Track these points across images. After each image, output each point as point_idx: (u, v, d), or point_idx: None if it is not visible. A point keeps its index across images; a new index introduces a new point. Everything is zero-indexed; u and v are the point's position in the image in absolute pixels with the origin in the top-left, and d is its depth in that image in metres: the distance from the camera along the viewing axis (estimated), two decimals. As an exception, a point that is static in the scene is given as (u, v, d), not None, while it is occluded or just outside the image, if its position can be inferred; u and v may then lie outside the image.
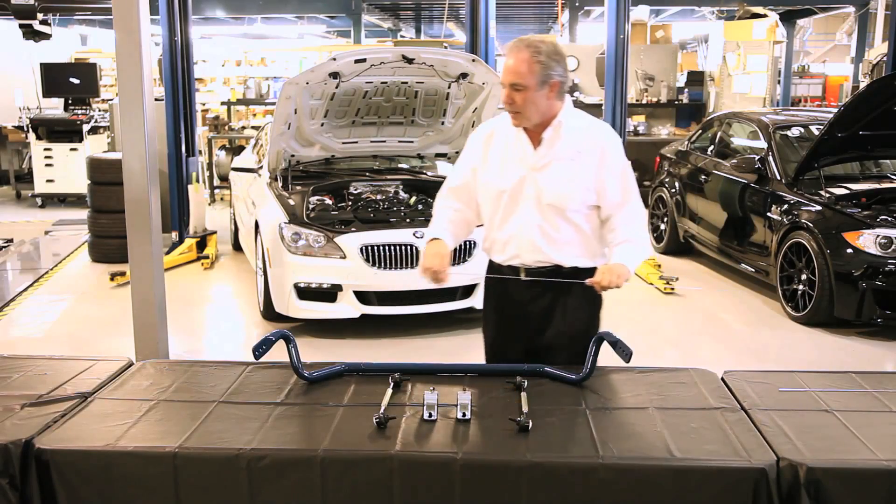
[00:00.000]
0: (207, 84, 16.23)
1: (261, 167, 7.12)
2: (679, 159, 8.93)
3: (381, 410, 2.49)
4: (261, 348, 2.76)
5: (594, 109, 11.57)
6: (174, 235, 8.60)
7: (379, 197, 6.62)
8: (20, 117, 12.27)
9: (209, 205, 11.35)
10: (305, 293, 5.93)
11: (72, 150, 11.70)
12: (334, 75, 6.27)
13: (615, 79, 8.18)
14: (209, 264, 8.26)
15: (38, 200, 11.98)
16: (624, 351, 2.71)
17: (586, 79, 12.55)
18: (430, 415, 2.49)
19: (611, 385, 2.80)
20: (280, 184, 6.65)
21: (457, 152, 6.94)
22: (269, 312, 6.19)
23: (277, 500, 2.31)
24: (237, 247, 8.65)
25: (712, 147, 8.50)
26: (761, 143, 7.56)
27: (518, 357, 3.05)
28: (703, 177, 8.23)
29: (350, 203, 6.53)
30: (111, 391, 2.77)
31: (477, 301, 5.87)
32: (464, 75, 6.50)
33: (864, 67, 11.63)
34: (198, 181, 8.83)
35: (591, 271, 3.02)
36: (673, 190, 8.77)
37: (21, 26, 10.96)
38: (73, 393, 2.71)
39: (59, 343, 6.03)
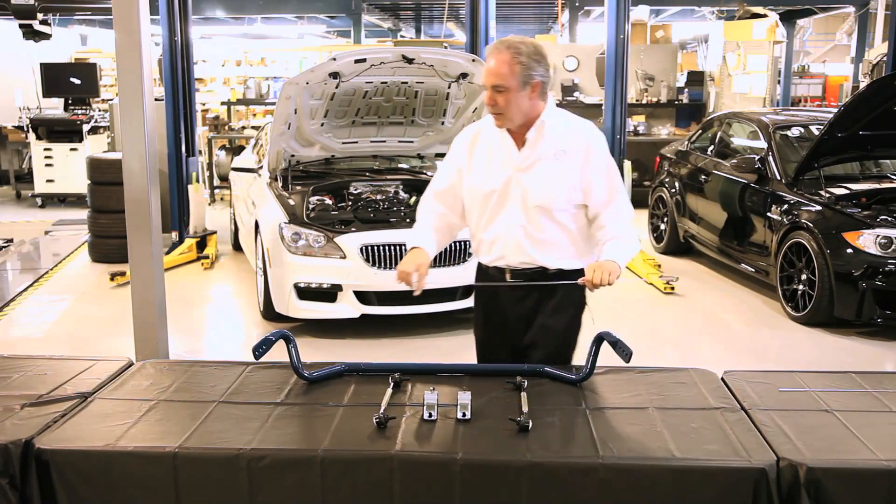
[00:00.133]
0: (207, 84, 16.24)
1: (261, 167, 7.12)
2: (679, 159, 8.93)
3: (381, 410, 2.49)
4: (261, 348, 2.76)
5: (594, 109, 11.65)
6: (174, 235, 8.60)
7: (379, 197, 6.62)
8: (20, 117, 12.27)
9: (209, 205, 11.35)
10: (305, 293, 5.93)
11: (72, 150, 11.71)
12: (334, 75, 6.27)
13: (615, 79, 8.19)
14: (209, 264, 8.26)
15: (38, 200, 11.98)
16: (624, 351, 2.71)
17: (586, 79, 12.55)
18: (430, 415, 2.49)
19: (611, 385, 2.79)
20: (280, 184, 6.65)
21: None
22: (269, 312, 6.19)
23: (277, 500, 2.31)
24: (237, 247, 8.65)
25: (712, 147, 8.50)
26: (761, 143, 7.56)
27: (506, 356, 3.08)
28: (703, 177, 8.24)
29: (350, 203, 6.53)
30: (111, 391, 2.77)
31: (477, 301, 5.86)
32: (464, 75, 6.50)
33: (864, 67, 11.63)
34: (198, 181, 8.83)
35: (576, 273, 3.03)
36: (673, 190, 8.77)
37: (21, 26, 10.96)
38: (73, 393, 2.71)
39: (59, 343, 6.03)
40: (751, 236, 7.26)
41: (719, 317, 6.78)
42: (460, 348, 5.73)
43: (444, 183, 3.16)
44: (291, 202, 6.32)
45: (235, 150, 11.87)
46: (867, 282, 5.94)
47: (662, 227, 9.01)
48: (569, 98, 12.56)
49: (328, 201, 6.54)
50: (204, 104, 14.54)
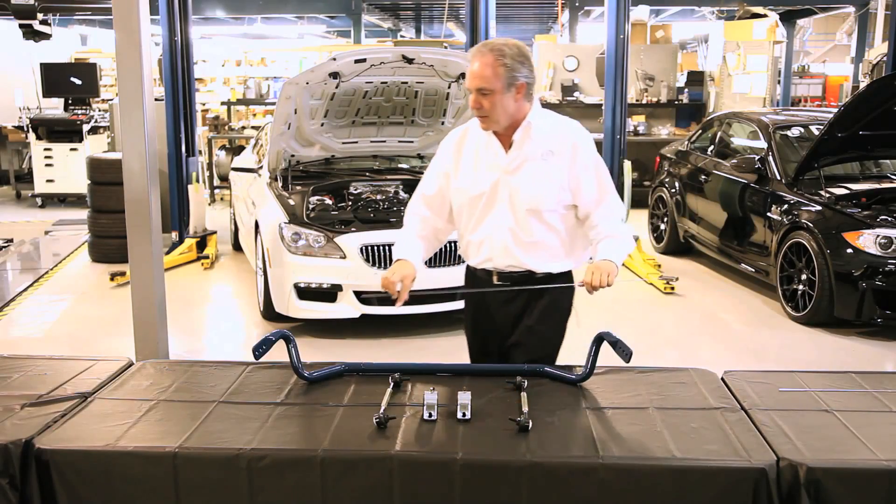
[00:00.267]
0: (207, 84, 16.24)
1: (261, 167, 7.13)
2: (679, 159, 8.93)
3: (381, 410, 2.49)
4: (261, 348, 2.76)
5: (594, 109, 11.65)
6: (174, 235, 8.60)
7: (379, 197, 6.62)
8: (20, 117, 12.27)
9: (209, 205, 11.35)
10: (305, 293, 5.93)
11: (72, 150, 11.71)
12: (334, 75, 6.27)
13: (615, 79, 8.18)
14: (209, 264, 8.26)
15: (38, 200, 11.98)
16: (624, 351, 2.71)
17: (586, 79, 12.55)
18: (430, 415, 2.49)
19: (611, 385, 2.79)
20: (280, 184, 6.65)
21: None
22: (269, 312, 6.19)
23: (277, 500, 2.31)
24: (237, 247, 8.65)
25: (712, 147, 8.50)
26: (761, 143, 7.56)
27: (494, 357, 3.09)
28: (703, 177, 8.24)
29: (350, 203, 6.53)
30: (111, 391, 2.77)
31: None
32: (464, 75, 6.50)
33: (864, 67, 11.63)
34: (198, 181, 8.83)
35: (564, 275, 3.04)
36: (673, 190, 8.77)
37: (21, 26, 10.96)
38: (73, 393, 2.71)
39: (59, 343, 6.03)
40: (751, 236, 7.26)
41: (719, 317, 6.78)
42: (460, 348, 5.70)
43: (431, 187, 3.14)
44: (291, 202, 6.32)
45: (235, 150, 11.87)
46: (867, 282, 5.94)
47: (662, 227, 9.01)
48: (569, 98, 12.56)
49: (328, 201, 6.54)
50: (204, 104, 14.54)
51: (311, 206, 6.34)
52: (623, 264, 8.60)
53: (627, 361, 2.72)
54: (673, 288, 7.30)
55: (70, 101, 12.23)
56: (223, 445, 2.35)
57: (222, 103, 14.53)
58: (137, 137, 4.78)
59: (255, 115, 15.30)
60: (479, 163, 3.01)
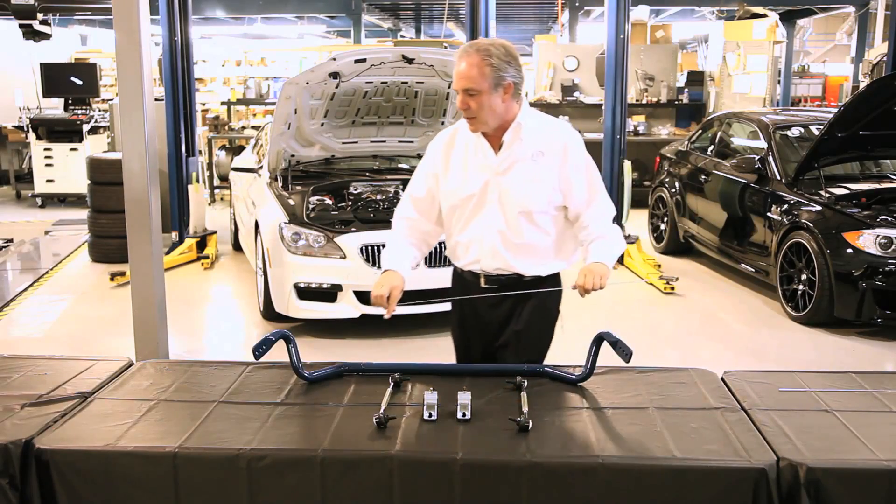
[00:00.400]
0: (207, 84, 16.24)
1: (261, 167, 7.13)
2: (679, 159, 8.93)
3: (381, 410, 2.49)
4: (261, 348, 2.76)
5: (594, 109, 11.65)
6: (174, 235, 8.60)
7: (379, 197, 6.62)
8: (20, 117, 12.27)
9: (209, 205, 11.35)
10: (305, 293, 5.93)
11: (72, 150, 11.71)
12: (334, 75, 6.27)
13: (615, 79, 8.18)
14: (209, 264, 8.26)
15: (38, 200, 11.98)
16: (624, 351, 2.71)
17: (586, 79, 12.55)
18: (430, 415, 2.49)
19: (611, 385, 2.79)
20: (280, 184, 6.65)
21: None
22: (269, 312, 6.19)
23: (277, 500, 2.31)
24: (237, 247, 8.65)
25: (712, 147, 8.50)
26: (761, 143, 7.56)
27: (480, 359, 3.07)
28: (703, 177, 8.24)
29: (350, 203, 6.53)
30: (111, 391, 2.77)
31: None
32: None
33: (864, 67, 11.62)
34: (198, 181, 8.83)
35: (553, 277, 3.02)
36: (673, 190, 8.77)
37: (21, 26, 10.95)
38: (73, 393, 2.71)
39: (59, 343, 6.03)
40: (751, 236, 7.26)
41: (719, 317, 6.78)
42: (460, 348, 5.74)
43: (420, 189, 3.11)
44: (291, 202, 6.32)
45: (235, 150, 11.87)
46: (867, 282, 5.94)
47: (662, 227, 9.01)
48: (569, 98, 12.56)
49: (328, 201, 6.54)
50: (204, 104, 14.54)
51: (311, 206, 6.34)
52: (623, 264, 8.64)
53: (627, 361, 2.72)
54: (673, 288, 7.30)
55: (70, 101, 12.23)
56: (223, 445, 2.35)
57: (222, 103, 14.53)
58: (137, 137, 4.78)
59: (255, 115, 15.30)
60: (469, 164, 2.98)
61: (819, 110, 10.88)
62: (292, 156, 6.91)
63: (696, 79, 13.34)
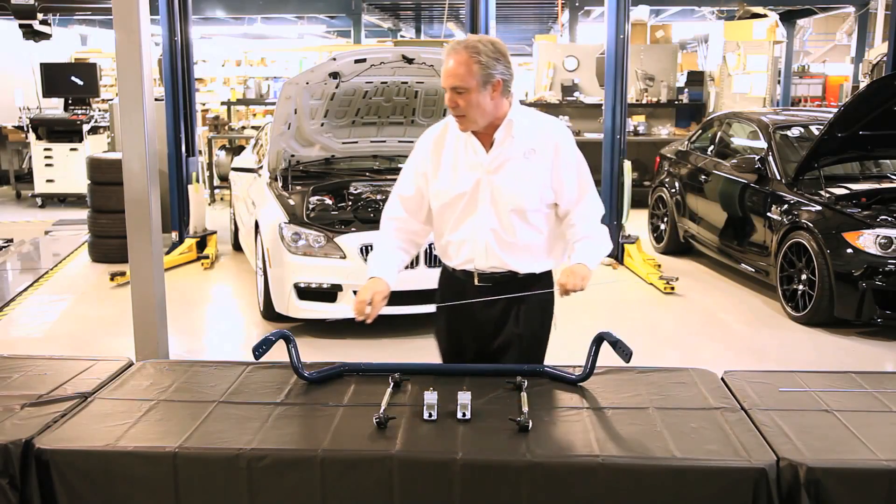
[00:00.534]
0: (207, 84, 16.24)
1: (261, 167, 7.13)
2: (679, 159, 8.93)
3: (381, 410, 2.49)
4: (261, 348, 2.76)
5: (594, 109, 11.65)
6: (174, 235, 8.60)
7: (379, 197, 6.62)
8: (20, 117, 12.27)
9: (209, 205, 11.35)
10: (305, 293, 5.93)
11: (72, 150, 11.71)
12: (334, 75, 6.27)
13: (615, 79, 8.19)
14: (209, 264, 8.26)
15: (38, 200, 11.98)
16: (624, 351, 2.71)
17: (586, 79, 12.55)
18: (430, 415, 2.49)
19: (611, 385, 2.79)
20: (280, 184, 6.65)
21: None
22: (269, 312, 6.18)
23: (277, 500, 2.31)
24: (237, 247, 8.65)
25: (712, 147, 8.50)
26: (761, 143, 7.56)
27: (472, 360, 3.03)
28: (703, 177, 8.24)
29: (350, 203, 6.53)
30: (111, 391, 2.77)
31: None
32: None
33: (864, 67, 11.62)
34: (198, 181, 8.83)
35: (546, 275, 3.00)
36: (673, 190, 8.77)
37: (21, 26, 10.96)
38: (73, 393, 2.71)
39: (59, 343, 6.03)
40: (751, 236, 7.27)
41: (719, 317, 6.78)
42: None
43: (409, 187, 3.06)
44: (291, 202, 6.32)
45: (235, 150, 11.87)
46: (867, 282, 5.94)
47: (662, 227, 9.01)
48: (569, 98, 12.56)
49: (328, 201, 6.54)
50: (204, 104, 14.54)
51: (311, 206, 6.34)
52: (623, 264, 8.63)
53: (627, 361, 2.72)
54: (673, 288, 7.30)
55: (70, 101, 12.23)
56: (223, 445, 2.35)
57: (222, 103, 14.53)
58: (137, 137, 4.78)
59: (255, 115, 15.30)
60: (460, 162, 2.94)
61: (819, 110, 10.88)
62: (292, 156, 6.91)
63: (696, 79, 13.34)
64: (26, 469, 2.34)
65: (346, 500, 2.30)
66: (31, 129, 11.77)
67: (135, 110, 4.75)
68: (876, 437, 2.39)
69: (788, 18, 17.99)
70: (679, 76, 13.44)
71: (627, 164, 8.24)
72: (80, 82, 12.21)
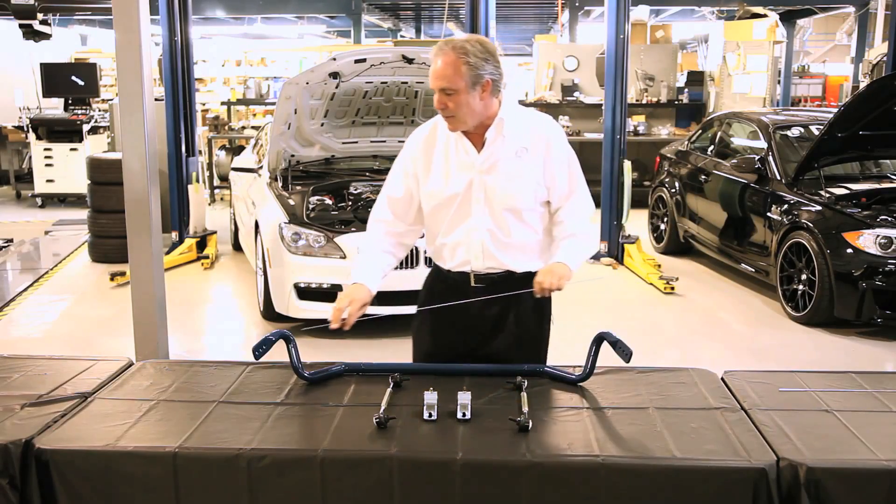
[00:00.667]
0: (207, 84, 16.24)
1: (261, 167, 7.13)
2: (679, 159, 8.93)
3: (381, 410, 2.49)
4: (261, 348, 2.75)
5: (594, 109, 11.65)
6: (174, 235, 8.60)
7: (379, 197, 6.62)
8: (20, 117, 12.28)
9: (209, 205, 11.35)
10: (305, 293, 5.93)
11: (72, 150, 11.71)
12: (334, 75, 6.27)
13: (615, 79, 8.19)
14: (209, 264, 8.26)
15: (38, 200, 11.98)
16: (624, 351, 2.70)
17: (586, 79, 12.55)
18: (430, 415, 2.49)
19: (611, 385, 2.79)
20: (280, 184, 6.65)
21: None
22: (269, 312, 6.18)
23: (277, 500, 2.31)
24: (237, 247, 8.65)
25: (712, 147, 8.50)
26: (761, 143, 7.56)
27: (463, 360, 2.97)
28: (703, 177, 8.24)
29: (350, 203, 6.53)
30: (111, 391, 2.77)
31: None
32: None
33: (864, 67, 11.62)
34: (198, 181, 8.84)
35: None
36: (673, 190, 8.77)
37: (21, 26, 10.96)
38: (73, 393, 2.71)
39: (59, 343, 6.03)
40: (751, 236, 7.27)
41: (719, 317, 6.78)
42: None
43: (398, 189, 3.01)
44: (291, 202, 6.32)
45: (235, 150, 11.88)
46: (867, 282, 5.94)
47: (662, 227, 9.01)
48: (569, 98, 12.57)
49: (328, 201, 6.54)
50: (204, 104, 14.54)
51: (311, 206, 6.34)
52: (623, 264, 8.62)
53: (627, 361, 2.72)
54: (673, 288, 7.30)
55: (70, 101, 12.23)
56: (223, 445, 2.35)
57: (222, 103, 14.54)
58: (137, 137, 4.77)
59: (255, 115, 15.30)
60: (451, 163, 2.90)
61: (819, 110, 10.88)
62: (292, 156, 6.91)
63: (696, 79, 13.34)
64: (26, 469, 2.34)
65: (346, 500, 2.30)
66: (31, 129, 11.77)
67: (135, 110, 4.75)
68: (876, 437, 2.39)
69: (788, 18, 17.99)
70: (679, 76, 13.44)
71: (627, 164, 8.24)
72: (80, 82, 12.21)
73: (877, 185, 7.00)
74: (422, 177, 2.96)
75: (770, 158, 7.27)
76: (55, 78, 12.22)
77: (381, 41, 20.94)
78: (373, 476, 2.29)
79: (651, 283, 7.52)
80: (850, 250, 6.06)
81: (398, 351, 5.82)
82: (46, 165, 11.76)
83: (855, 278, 5.98)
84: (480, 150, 2.88)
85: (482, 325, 2.98)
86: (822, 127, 6.97)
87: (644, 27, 13.96)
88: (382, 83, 6.57)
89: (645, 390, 2.73)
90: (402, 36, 24.79)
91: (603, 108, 8.58)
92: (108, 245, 8.24)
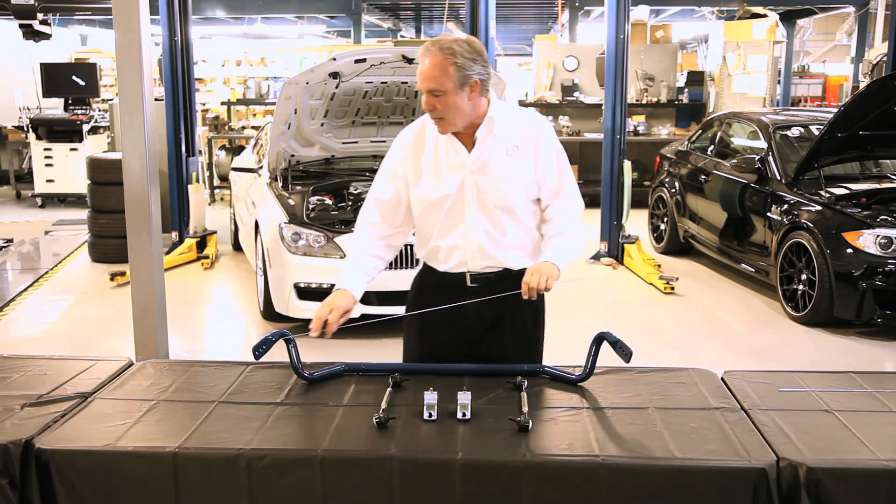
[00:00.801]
0: (207, 84, 16.25)
1: (261, 167, 7.13)
2: (679, 159, 8.93)
3: (381, 410, 2.49)
4: (261, 348, 2.75)
5: (594, 109, 11.65)
6: (174, 235, 8.60)
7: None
8: (20, 117, 12.28)
9: (209, 205, 11.36)
10: (305, 293, 5.92)
11: (72, 150, 11.72)
12: (334, 75, 6.27)
13: (615, 79, 8.19)
14: (209, 264, 8.26)
15: (38, 200, 11.98)
16: (624, 351, 2.70)
17: (586, 79, 12.56)
18: (430, 415, 2.49)
19: (611, 385, 2.79)
20: (280, 184, 6.65)
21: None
22: (269, 312, 6.18)
23: (277, 500, 2.31)
24: (237, 247, 8.65)
25: (712, 147, 8.50)
26: (761, 143, 7.56)
27: (456, 360, 2.95)
28: (703, 177, 8.24)
29: (350, 203, 6.53)
30: (111, 391, 2.77)
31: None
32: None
33: (864, 67, 11.62)
34: (198, 181, 8.84)
35: None
36: (673, 190, 8.77)
37: (21, 26, 10.96)
38: (73, 393, 2.71)
39: (59, 343, 6.03)
40: (751, 236, 7.27)
41: (719, 317, 6.78)
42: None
43: (386, 191, 2.97)
44: (291, 202, 6.32)
45: (235, 150, 11.88)
46: (867, 282, 5.94)
47: (662, 227, 9.01)
48: (569, 98, 12.57)
49: (328, 201, 6.54)
50: (204, 104, 14.55)
51: (311, 206, 6.34)
52: (623, 264, 8.62)
53: (627, 361, 2.72)
54: (673, 288, 7.30)
55: (70, 101, 12.23)
56: (223, 445, 2.35)
57: (222, 103, 14.54)
58: (137, 137, 4.78)
59: (255, 115, 15.31)
60: (441, 164, 2.85)
61: (819, 110, 10.88)
62: (292, 156, 6.91)
63: (696, 79, 13.35)
64: (26, 469, 2.34)
65: (346, 500, 2.30)
66: (31, 129, 11.78)
67: (135, 110, 4.75)
68: (876, 437, 2.39)
69: (788, 18, 17.99)
70: (679, 76, 13.45)
71: (627, 164, 8.24)
72: (81, 82, 12.21)
73: (877, 185, 7.00)
74: (411, 179, 2.93)
75: (770, 158, 7.27)
76: (55, 78, 12.22)
77: (381, 41, 20.94)
78: (373, 476, 2.29)
79: (651, 283, 7.52)
80: (850, 250, 6.06)
81: (398, 351, 5.80)
82: (46, 165, 11.76)
83: (855, 278, 5.98)
84: (471, 149, 2.85)
85: (478, 324, 2.96)
86: (822, 127, 6.97)
87: (644, 27, 13.97)
88: (382, 83, 6.57)
89: (645, 390, 2.73)
90: (402, 36, 24.79)
91: (603, 108, 8.58)
92: (108, 245, 8.24)
